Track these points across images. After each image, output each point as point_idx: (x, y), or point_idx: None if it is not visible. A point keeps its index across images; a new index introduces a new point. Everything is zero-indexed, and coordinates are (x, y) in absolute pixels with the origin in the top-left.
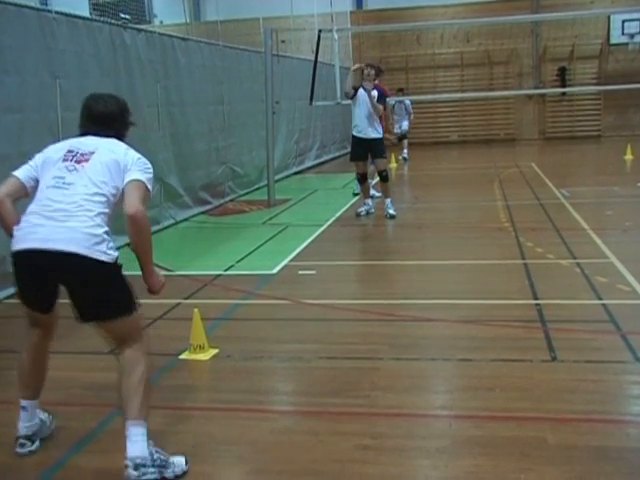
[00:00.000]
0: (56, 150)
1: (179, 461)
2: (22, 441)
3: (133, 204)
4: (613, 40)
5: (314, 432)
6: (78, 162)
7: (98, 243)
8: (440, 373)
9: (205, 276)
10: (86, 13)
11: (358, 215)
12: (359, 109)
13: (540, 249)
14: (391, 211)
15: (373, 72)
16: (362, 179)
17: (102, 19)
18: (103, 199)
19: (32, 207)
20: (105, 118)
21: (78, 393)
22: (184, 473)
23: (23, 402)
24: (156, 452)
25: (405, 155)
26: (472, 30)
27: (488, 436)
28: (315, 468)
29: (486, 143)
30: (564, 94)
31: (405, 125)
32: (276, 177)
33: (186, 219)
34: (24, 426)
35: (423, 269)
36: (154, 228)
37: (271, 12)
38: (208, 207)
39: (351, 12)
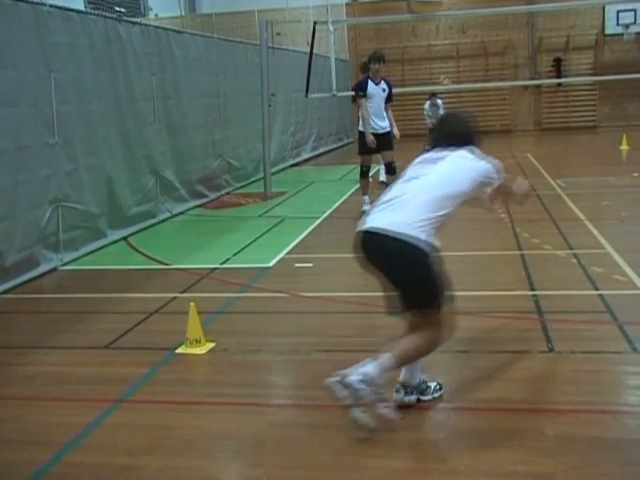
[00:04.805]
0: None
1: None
2: (397, 387)
3: (488, 197)
4: (608, 31)
5: (311, 425)
6: (428, 164)
7: (417, 227)
8: (437, 365)
9: (201, 269)
10: (81, 6)
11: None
12: (372, 103)
13: (537, 240)
14: None
15: (382, 65)
16: (367, 172)
17: (97, 12)
18: (438, 192)
19: (379, 200)
20: (455, 136)
21: (74, 388)
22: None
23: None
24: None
25: None
26: (468, 21)
27: (486, 428)
28: (312, 461)
29: (482, 134)
30: (560, 85)
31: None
32: (272, 170)
33: (182, 212)
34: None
35: None
36: (150, 222)
37: (266, 4)
38: (204, 200)
39: (346, 4)
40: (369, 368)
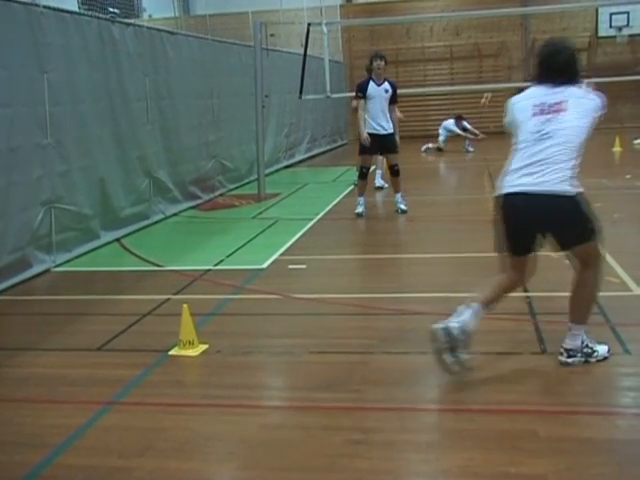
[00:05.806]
0: (524, 106)
1: (602, 349)
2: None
3: None
4: (601, 33)
5: (304, 427)
6: (550, 113)
7: (564, 181)
8: (430, 366)
9: (194, 271)
10: (74, 7)
11: (360, 215)
12: (373, 104)
13: None
14: (402, 206)
15: (383, 63)
16: (366, 174)
17: (90, 13)
18: (574, 143)
19: (516, 163)
20: (566, 72)
21: (67, 390)
22: (604, 359)
23: (473, 303)
24: (586, 346)
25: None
26: (462, 23)
27: (479, 429)
28: (305, 463)
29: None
30: None
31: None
32: (266, 171)
33: (176, 214)
34: (454, 319)
35: (414, 262)
36: (143, 223)
37: (260, 6)
38: (198, 202)
39: (340, 5)
40: (577, 341)
